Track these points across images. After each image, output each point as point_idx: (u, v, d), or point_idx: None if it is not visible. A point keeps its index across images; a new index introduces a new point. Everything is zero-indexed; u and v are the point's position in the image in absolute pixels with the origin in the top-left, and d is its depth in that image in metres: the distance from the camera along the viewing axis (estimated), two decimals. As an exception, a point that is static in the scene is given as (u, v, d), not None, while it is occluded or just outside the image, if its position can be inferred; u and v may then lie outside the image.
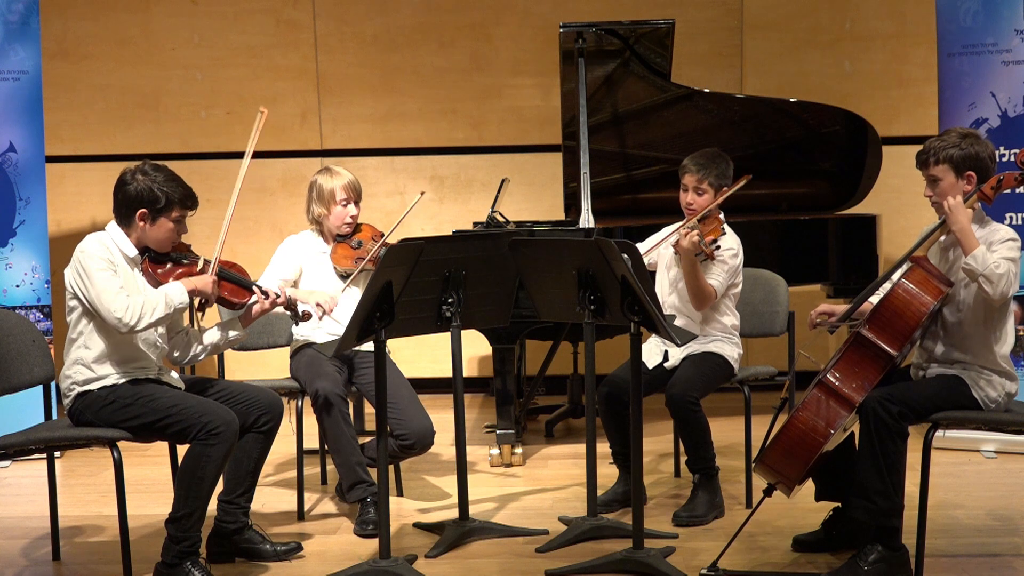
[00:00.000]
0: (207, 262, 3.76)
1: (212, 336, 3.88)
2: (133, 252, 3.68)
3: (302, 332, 4.40)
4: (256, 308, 3.86)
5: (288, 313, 3.96)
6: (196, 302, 3.74)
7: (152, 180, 3.64)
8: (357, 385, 4.38)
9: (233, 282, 3.82)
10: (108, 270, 3.56)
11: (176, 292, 3.62)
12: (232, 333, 3.90)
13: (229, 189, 7.31)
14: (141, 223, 3.65)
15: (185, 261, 3.76)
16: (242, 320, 3.90)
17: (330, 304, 4.22)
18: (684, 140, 5.83)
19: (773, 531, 4.06)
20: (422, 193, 4.61)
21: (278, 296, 3.86)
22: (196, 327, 3.89)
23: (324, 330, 4.35)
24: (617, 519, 4.18)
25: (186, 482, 3.54)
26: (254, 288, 3.84)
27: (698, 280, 4.21)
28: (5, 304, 5.34)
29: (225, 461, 3.59)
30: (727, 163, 4.37)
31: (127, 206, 3.65)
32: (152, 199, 3.63)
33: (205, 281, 3.69)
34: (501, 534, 4.11)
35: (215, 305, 3.85)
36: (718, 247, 4.19)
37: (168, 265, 3.73)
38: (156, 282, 3.69)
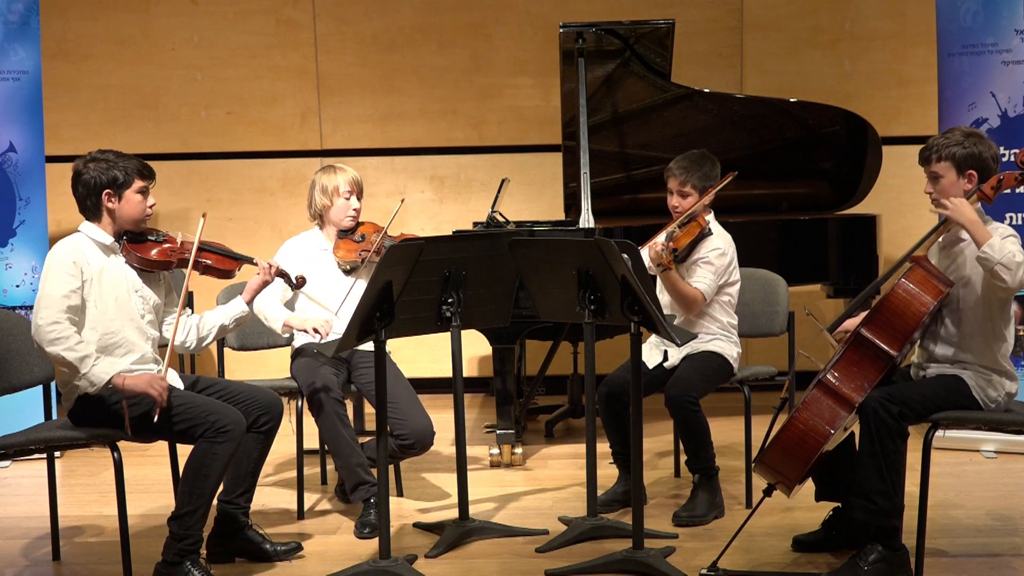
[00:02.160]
0: (186, 239, 3.79)
1: (214, 318, 3.91)
2: (109, 240, 3.69)
3: (302, 340, 4.41)
4: (257, 281, 3.90)
5: (282, 280, 3.99)
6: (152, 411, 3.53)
7: (105, 161, 3.67)
8: (357, 385, 4.38)
9: (217, 253, 3.84)
10: (64, 275, 3.55)
11: (101, 367, 3.48)
12: (235, 311, 3.92)
13: (229, 189, 7.35)
14: (109, 204, 3.66)
15: (163, 239, 3.78)
16: (244, 296, 3.93)
17: (325, 328, 4.22)
18: (684, 140, 5.83)
19: (773, 531, 4.06)
20: (402, 200, 4.76)
21: (274, 267, 3.92)
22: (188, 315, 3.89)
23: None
24: (617, 519, 4.18)
25: (190, 480, 3.53)
26: (246, 258, 3.88)
27: (675, 288, 4.22)
28: (5, 304, 5.34)
29: (231, 460, 3.59)
30: (712, 163, 4.36)
31: (90, 195, 3.67)
32: (111, 179, 3.65)
33: (141, 380, 3.50)
34: (501, 534, 4.10)
35: (211, 281, 3.90)
36: (677, 258, 4.16)
37: (147, 242, 3.75)
38: (139, 260, 3.71)
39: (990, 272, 3.44)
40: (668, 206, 4.39)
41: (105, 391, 3.53)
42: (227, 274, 3.87)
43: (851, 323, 3.76)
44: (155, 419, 3.50)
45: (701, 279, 4.26)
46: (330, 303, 4.37)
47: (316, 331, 4.20)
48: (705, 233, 4.26)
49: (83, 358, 3.49)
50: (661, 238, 4.21)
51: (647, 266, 4.37)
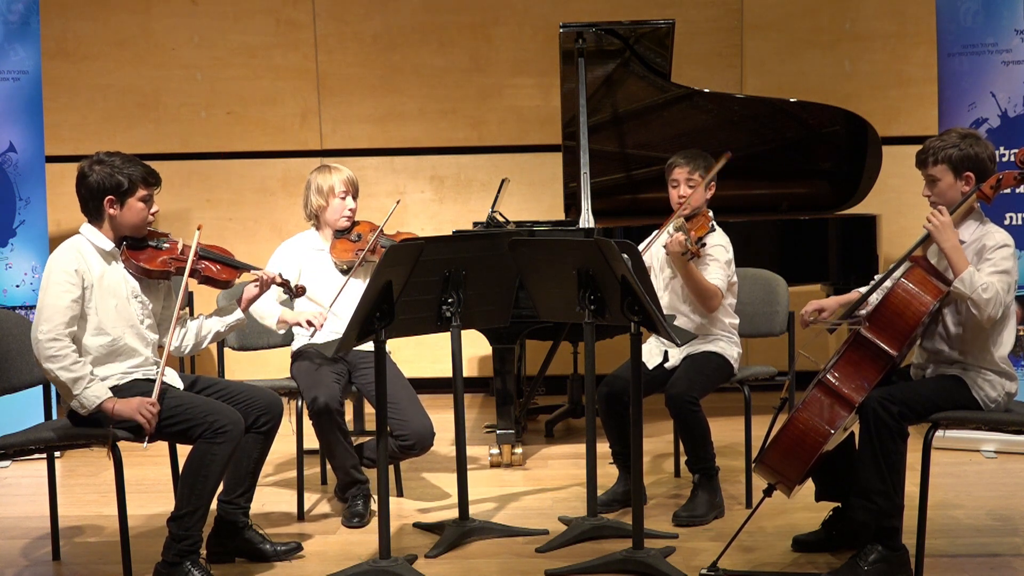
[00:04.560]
0: (186, 246, 3.76)
1: (211, 324, 3.90)
2: (109, 246, 3.67)
3: (302, 341, 4.41)
4: (254, 291, 3.90)
5: (281, 289, 3.98)
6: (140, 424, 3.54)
7: (110, 166, 3.62)
8: (357, 385, 4.39)
9: (217, 261, 3.82)
10: (66, 284, 3.54)
11: (93, 391, 3.47)
12: (231, 318, 3.92)
13: (229, 189, 7.34)
14: (111, 210, 3.64)
15: (164, 245, 3.76)
16: (240, 303, 3.92)
17: (319, 320, 4.23)
18: (684, 140, 5.82)
19: (773, 531, 4.07)
20: (398, 202, 4.71)
21: (272, 276, 3.90)
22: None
23: (328, 328, 4.34)
24: (617, 519, 4.18)
25: (190, 480, 3.53)
26: (247, 266, 3.87)
27: (697, 281, 4.22)
28: (5, 304, 5.34)
29: (230, 460, 3.59)
30: (708, 158, 4.42)
31: (93, 198, 3.64)
32: (115, 184, 3.62)
33: (130, 406, 3.49)
34: (501, 534, 4.11)
35: (210, 288, 3.87)
36: (703, 244, 4.16)
37: (147, 250, 3.73)
38: (138, 269, 3.69)
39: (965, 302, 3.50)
40: (673, 200, 4.38)
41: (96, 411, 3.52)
42: (227, 284, 3.86)
43: (826, 303, 3.76)
44: (145, 445, 3.51)
45: (713, 275, 4.26)
46: (328, 303, 4.37)
47: (310, 323, 4.21)
48: (712, 228, 4.27)
49: (77, 379, 3.47)
50: (669, 229, 4.21)
51: (660, 262, 4.36)
